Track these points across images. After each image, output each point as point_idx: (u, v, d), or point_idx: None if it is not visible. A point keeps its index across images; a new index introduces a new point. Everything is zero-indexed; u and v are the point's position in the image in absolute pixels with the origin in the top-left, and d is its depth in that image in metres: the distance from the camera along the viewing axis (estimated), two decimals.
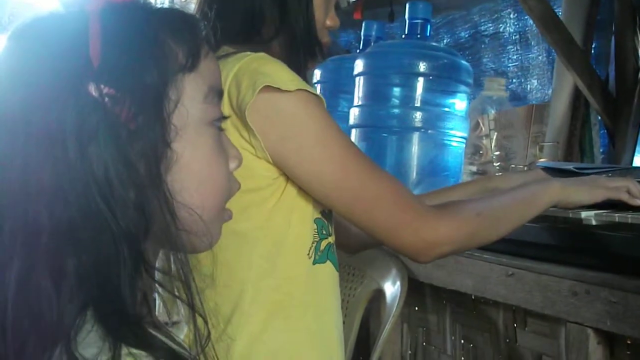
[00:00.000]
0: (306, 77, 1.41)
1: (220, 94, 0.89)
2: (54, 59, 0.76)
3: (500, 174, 2.50)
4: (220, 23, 1.29)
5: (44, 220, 0.73)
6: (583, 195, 1.40)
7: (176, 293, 0.82)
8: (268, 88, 1.19)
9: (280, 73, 1.22)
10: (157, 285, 0.81)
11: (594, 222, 1.46)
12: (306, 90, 1.23)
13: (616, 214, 1.42)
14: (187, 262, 0.82)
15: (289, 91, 1.21)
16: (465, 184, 1.74)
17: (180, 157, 0.80)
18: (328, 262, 1.35)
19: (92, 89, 0.74)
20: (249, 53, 1.25)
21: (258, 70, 1.21)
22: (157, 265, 0.85)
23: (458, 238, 1.29)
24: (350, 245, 1.62)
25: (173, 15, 0.86)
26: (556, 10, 2.42)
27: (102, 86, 0.75)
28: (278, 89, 1.20)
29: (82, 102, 0.74)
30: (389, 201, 1.26)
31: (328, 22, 1.44)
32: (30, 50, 0.78)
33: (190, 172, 0.82)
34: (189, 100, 0.82)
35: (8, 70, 0.78)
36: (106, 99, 0.75)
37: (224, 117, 0.90)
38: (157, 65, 0.79)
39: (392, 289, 1.93)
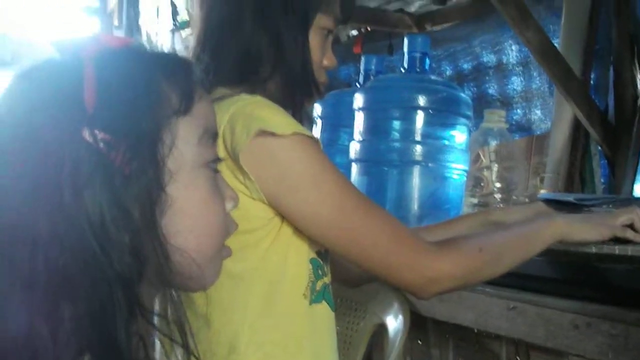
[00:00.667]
0: (302, 115, 1.41)
1: (215, 135, 0.89)
2: (51, 106, 0.76)
3: (501, 206, 2.50)
4: (215, 63, 1.30)
5: (40, 265, 0.73)
6: (588, 233, 1.37)
7: (172, 335, 0.82)
8: (263, 132, 1.20)
9: (275, 117, 1.23)
10: (152, 328, 0.81)
11: (593, 250, 1.43)
12: (302, 134, 1.23)
13: (616, 247, 1.41)
14: (180, 304, 0.83)
15: (284, 135, 1.21)
16: (464, 217, 1.73)
17: (175, 200, 0.80)
18: (324, 302, 1.34)
19: (87, 135, 0.75)
20: (244, 96, 1.26)
21: (252, 115, 1.22)
22: (154, 307, 0.85)
23: (459, 274, 1.28)
24: (351, 280, 1.61)
25: (167, 58, 0.86)
26: (554, 41, 2.43)
27: (96, 131, 0.75)
28: (273, 134, 1.20)
29: (77, 148, 0.75)
30: (387, 240, 1.26)
31: (325, 62, 1.43)
32: (27, 96, 0.79)
33: (185, 215, 0.82)
34: (183, 143, 0.82)
35: (7, 114, 0.79)
36: (101, 144, 0.75)
37: (219, 159, 0.90)
38: (151, 109, 0.79)
39: (394, 323, 1.92)
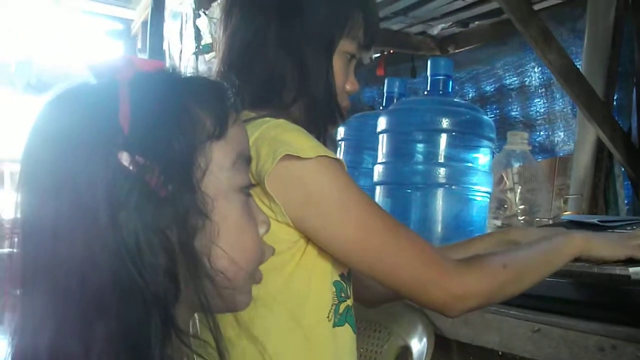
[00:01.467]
0: (326, 138, 1.42)
1: (248, 160, 0.90)
2: (86, 128, 0.78)
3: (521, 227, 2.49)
4: (240, 87, 1.31)
5: (75, 285, 0.75)
6: (606, 250, 1.40)
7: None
8: (288, 156, 1.20)
9: (299, 140, 1.23)
10: (188, 350, 0.81)
11: (617, 272, 1.43)
12: (326, 156, 1.24)
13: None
14: (218, 327, 0.83)
15: (309, 158, 1.21)
16: (482, 236, 1.72)
17: (210, 225, 0.81)
18: (347, 324, 1.35)
19: (122, 158, 0.76)
20: (268, 119, 1.26)
21: (277, 139, 1.22)
22: (189, 329, 0.86)
23: (485, 291, 1.28)
24: (371, 300, 1.61)
25: (201, 83, 0.87)
26: (576, 63, 2.43)
27: (132, 155, 0.76)
28: (298, 157, 1.21)
29: (112, 170, 0.76)
30: (413, 259, 1.26)
31: (348, 87, 1.44)
32: (63, 120, 0.80)
33: (220, 239, 0.83)
34: (217, 167, 0.84)
35: (42, 137, 0.80)
36: (136, 168, 0.76)
37: (252, 184, 0.90)
38: (185, 133, 0.80)
39: (418, 345, 1.92)
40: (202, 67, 4.05)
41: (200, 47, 4.03)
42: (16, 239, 0.79)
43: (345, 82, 1.43)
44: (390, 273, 1.27)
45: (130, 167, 0.76)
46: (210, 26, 3.98)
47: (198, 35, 4.20)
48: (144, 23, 5.61)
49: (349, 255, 1.27)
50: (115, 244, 0.75)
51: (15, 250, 0.79)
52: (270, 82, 1.35)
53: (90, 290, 0.74)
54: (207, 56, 3.97)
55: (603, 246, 1.39)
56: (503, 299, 1.38)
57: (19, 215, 0.80)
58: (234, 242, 0.85)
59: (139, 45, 5.92)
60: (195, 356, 0.82)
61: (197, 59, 4.18)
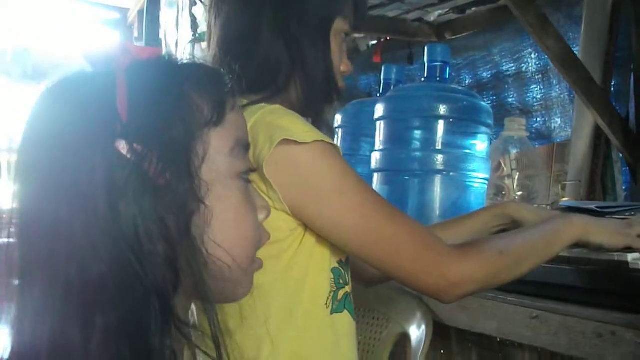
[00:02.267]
0: (322, 121, 1.41)
1: (247, 146, 0.90)
2: (83, 117, 0.77)
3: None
4: (235, 73, 1.30)
5: (74, 275, 0.74)
6: (605, 237, 1.39)
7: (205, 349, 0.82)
8: (285, 141, 1.20)
9: (295, 125, 1.23)
10: (187, 340, 0.81)
11: (615, 258, 1.45)
12: (322, 141, 1.24)
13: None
14: (216, 317, 0.83)
15: (306, 143, 1.21)
16: (480, 211, 1.70)
17: (209, 211, 0.81)
18: (345, 311, 1.35)
19: (120, 146, 0.76)
20: (263, 105, 1.26)
21: (273, 124, 1.22)
22: (189, 319, 0.86)
23: (481, 277, 1.28)
24: (366, 279, 1.61)
25: (198, 70, 0.87)
26: (574, 49, 2.43)
27: (130, 143, 0.76)
28: (295, 142, 1.21)
29: (110, 159, 0.76)
30: (410, 244, 1.26)
31: (342, 68, 1.44)
32: (60, 109, 0.79)
33: (219, 225, 0.83)
34: (216, 154, 0.83)
35: (39, 127, 0.80)
36: (134, 155, 0.76)
37: (251, 170, 0.90)
38: (183, 120, 0.80)
39: (417, 332, 1.92)
40: (198, 55, 4.04)
41: (197, 35, 4.02)
42: (14, 229, 0.79)
43: (340, 63, 1.43)
44: (386, 258, 1.27)
45: (129, 155, 0.76)
46: (206, 14, 3.97)
47: (194, 24, 4.19)
48: (140, 12, 5.60)
49: (346, 241, 1.27)
50: (114, 232, 0.75)
51: (13, 240, 0.79)
52: (267, 66, 1.35)
53: (89, 280, 0.74)
54: (204, 44, 3.96)
55: (602, 233, 1.38)
56: (500, 284, 1.38)
57: (16, 206, 0.79)
58: (234, 228, 0.85)
59: (136, 34, 5.90)
60: (192, 347, 0.82)
61: (193, 47, 4.17)
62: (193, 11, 4.24)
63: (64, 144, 0.77)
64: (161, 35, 5.05)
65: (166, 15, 4.98)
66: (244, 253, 0.86)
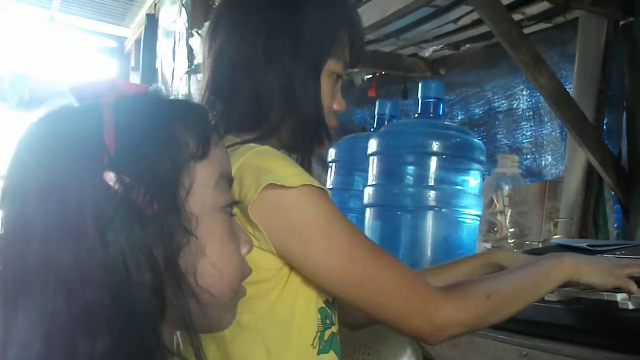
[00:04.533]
0: (309, 161, 1.41)
1: (230, 180, 0.92)
2: (71, 149, 0.79)
3: (515, 251, 2.50)
4: (226, 109, 1.30)
5: (62, 303, 0.75)
6: (596, 277, 1.39)
7: None
8: (271, 185, 1.20)
9: (283, 168, 1.23)
10: None
11: (630, 307, 1.41)
12: (310, 185, 1.24)
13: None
14: (201, 347, 0.84)
15: (293, 187, 1.21)
16: (467, 258, 1.71)
17: (194, 243, 0.82)
18: (331, 351, 1.34)
19: (108, 177, 0.77)
20: (252, 145, 1.26)
21: (261, 166, 1.22)
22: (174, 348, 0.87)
23: (467, 321, 1.28)
24: (354, 323, 1.60)
25: (183, 105, 0.89)
26: (567, 87, 2.44)
27: (117, 174, 0.78)
28: (282, 186, 1.21)
29: (99, 190, 0.77)
30: (396, 288, 1.26)
31: (335, 107, 1.44)
32: (48, 141, 0.81)
33: (204, 257, 0.84)
34: (201, 187, 0.85)
35: (27, 159, 0.81)
36: (122, 187, 0.78)
37: (235, 202, 0.92)
38: (170, 154, 0.82)
39: None
40: (194, 87, 4.06)
41: (193, 66, 4.04)
42: (2, 257, 0.80)
43: (332, 102, 1.43)
44: (373, 302, 1.27)
45: (116, 187, 0.78)
46: (202, 45, 3.99)
47: (190, 54, 4.22)
48: (137, 41, 5.64)
49: (332, 284, 1.27)
50: (102, 261, 0.76)
51: (1, 267, 0.80)
52: (258, 103, 1.36)
53: (77, 308, 0.75)
54: (199, 75, 3.98)
55: (593, 273, 1.38)
56: (487, 327, 1.38)
57: (3, 234, 0.80)
58: (218, 259, 0.86)
59: (132, 63, 5.94)
60: None
61: (189, 78, 4.20)
62: (189, 42, 4.26)
63: (52, 175, 0.78)
64: (157, 65, 5.08)
65: (163, 45, 5.01)
66: (227, 283, 0.88)
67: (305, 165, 1.36)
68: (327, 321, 1.33)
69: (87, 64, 6.78)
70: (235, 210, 1.21)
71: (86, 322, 0.75)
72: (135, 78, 5.62)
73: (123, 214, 0.77)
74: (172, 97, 0.90)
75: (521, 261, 1.56)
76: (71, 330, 0.75)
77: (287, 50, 1.36)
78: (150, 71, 5.19)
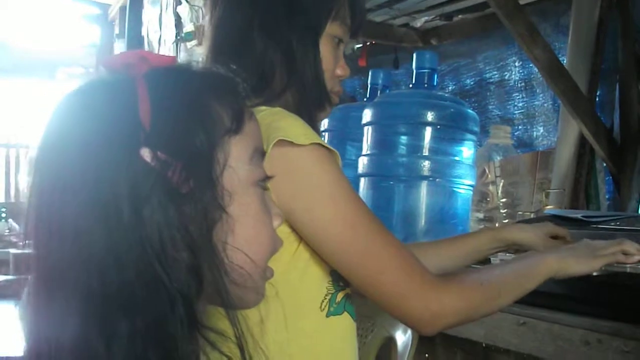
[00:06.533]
0: (316, 126, 1.42)
1: (263, 154, 0.91)
2: (106, 125, 0.77)
3: (506, 221, 2.52)
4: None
5: (96, 281, 0.74)
6: (582, 266, 1.36)
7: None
8: (281, 142, 1.19)
9: (294, 127, 1.22)
10: (209, 345, 0.81)
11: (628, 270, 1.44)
12: (320, 145, 1.23)
13: (627, 265, 1.42)
14: (239, 322, 0.84)
15: (303, 145, 1.20)
16: (473, 234, 1.69)
17: (230, 218, 0.82)
18: (345, 313, 1.33)
19: (145, 154, 0.76)
20: (264, 108, 1.26)
21: (272, 125, 1.21)
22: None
23: (463, 309, 1.27)
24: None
25: (216, 78, 0.87)
26: (561, 59, 2.46)
27: (153, 151, 0.76)
28: (291, 143, 1.19)
29: (135, 167, 0.76)
30: (395, 266, 1.24)
31: (338, 72, 1.42)
32: (82, 116, 0.80)
33: (239, 232, 0.83)
34: (236, 162, 0.83)
35: (60, 134, 0.80)
36: (158, 163, 0.76)
37: (268, 177, 0.91)
38: (204, 129, 0.80)
39: (403, 337, 1.93)
40: (183, 55, 4.04)
41: (182, 35, 4.01)
42: (35, 238, 0.79)
43: (335, 67, 1.41)
44: (371, 278, 1.25)
45: (153, 164, 0.76)
46: (191, 13, 3.96)
47: (179, 23, 4.17)
48: (122, 8, 5.57)
49: (332, 250, 1.25)
50: (138, 240, 0.75)
51: (35, 249, 0.79)
52: (261, 71, 1.34)
53: (113, 287, 0.74)
54: (188, 44, 3.96)
55: (577, 262, 1.35)
56: (479, 318, 1.37)
57: (34, 211, 0.79)
58: (253, 235, 0.86)
59: (117, 31, 5.87)
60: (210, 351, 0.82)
61: (177, 46, 4.16)
62: (177, 10, 4.23)
63: (86, 152, 0.77)
64: (143, 33, 5.03)
65: (149, 13, 4.96)
66: (260, 258, 0.87)
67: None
68: (341, 283, 1.32)
69: (70, 31, 6.71)
70: None
71: (123, 301, 0.74)
72: (120, 46, 5.57)
73: (159, 191, 0.76)
74: (202, 69, 0.88)
75: (527, 232, 1.56)
76: (108, 309, 0.74)
77: (284, 16, 1.35)
78: (136, 39, 5.14)
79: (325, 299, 1.31)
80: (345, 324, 1.34)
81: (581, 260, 1.36)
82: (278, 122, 1.22)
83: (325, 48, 1.38)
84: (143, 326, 0.75)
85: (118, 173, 0.75)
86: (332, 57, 1.40)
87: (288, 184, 1.21)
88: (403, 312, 1.26)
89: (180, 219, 0.77)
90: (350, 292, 1.35)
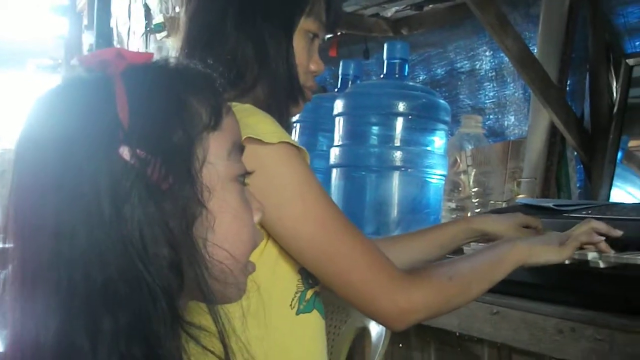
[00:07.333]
0: (289, 120, 1.41)
1: (241, 149, 0.91)
2: (85, 124, 0.78)
3: (477, 210, 2.53)
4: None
5: (79, 279, 0.75)
6: (550, 255, 1.36)
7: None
8: (249, 139, 1.18)
9: (262, 124, 1.22)
10: (191, 339, 0.81)
11: (601, 265, 1.41)
12: (289, 143, 1.23)
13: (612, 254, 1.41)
14: (221, 317, 0.84)
15: (271, 143, 1.20)
16: (446, 224, 1.69)
17: (210, 214, 0.82)
18: (314, 310, 1.34)
19: (124, 152, 0.76)
20: (235, 104, 1.25)
21: (241, 121, 1.20)
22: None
23: (433, 304, 1.27)
24: None
25: (193, 74, 0.87)
26: (531, 49, 2.47)
27: (132, 149, 0.77)
28: (260, 141, 1.19)
29: (114, 165, 0.76)
30: (364, 265, 1.24)
31: (312, 67, 1.42)
32: (60, 114, 0.80)
33: (219, 227, 0.83)
34: (215, 158, 0.84)
35: (39, 132, 0.80)
36: (138, 161, 0.77)
37: (247, 172, 0.91)
38: (183, 125, 0.80)
39: (377, 328, 1.93)
40: (153, 46, 4.01)
41: (151, 26, 3.98)
42: (15, 236, 0.79)
43: (309, 62, 1.41)
44: (340, 277, 1.26)
45: (132, 162, 0.76)
46: (160, 4, 3.94)
47: (148, 14, 4.15)
48: None
49: (302, 252, 1.25)
50: (119, 237, 0.75)
51: (15, 247, 0.79)
52: (233, 64, 1.34)
53: (96, 284, 0.75)
54: (158, 35, 3.93)
55: (546, 251, 1.36)
56: (449, 311, 1.37)
57: (14, 209, 0.80)
58: (233, 231, 0.86)
59: (85, 22, 5.82)
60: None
61: (147, 38, 4.14)
62: (146, 1, 4.20)
63: (66, 151, 0.77)
64: (112, 24, 5.00)
65: (118, 4, 4.93)
66: (241, 253, 0.87)
67: (283, 125, 1.35)
68: (310, 281, 1.32)
69: (39, 22, 6.66)
70: None
71: (105, 298, 0.75)
72: (89, 37, 5.53)
73: (139, 188, 0.76)
74: (180, 65, 0.88)
75: (497, 222, 1.56)
76: (91, 306, 0.75)
77: (258, 10, 1.35)
78: (104, 30, 5.10)
79: (295, 296, 1.31)
80: (315, 321, 1.34)
81: (549, 250, 1.36)
82: (247, 118, 1.20)
83: (298, 43, 1.38)
84: (126, 322, 0.75)
85: (98, 171, 0.76)
86: (305, 52, 1.40)
87: (257, 181, 1.19)
88: (372, 309, 1.27)
89: (160, 215, 0.77)
90: (319, 290, 1.35)
